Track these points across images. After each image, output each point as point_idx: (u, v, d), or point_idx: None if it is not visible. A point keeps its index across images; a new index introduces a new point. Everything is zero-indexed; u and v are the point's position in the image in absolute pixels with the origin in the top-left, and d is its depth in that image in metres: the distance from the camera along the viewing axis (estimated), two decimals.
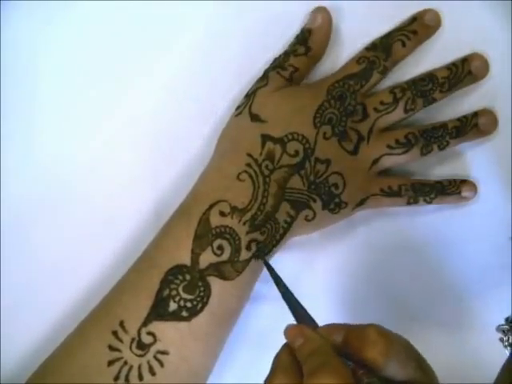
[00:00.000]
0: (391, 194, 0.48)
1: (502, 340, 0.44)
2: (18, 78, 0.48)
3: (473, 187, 0.50)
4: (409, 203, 0.49)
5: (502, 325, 0.44)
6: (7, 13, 0.47)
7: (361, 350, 0.35)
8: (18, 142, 0.48)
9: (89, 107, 0.49)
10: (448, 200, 0.50)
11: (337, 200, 0.47)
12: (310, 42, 0.47)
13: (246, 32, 0.49)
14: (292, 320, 0.40)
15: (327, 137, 0.46)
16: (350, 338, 0.36)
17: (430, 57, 0.49)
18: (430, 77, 0.48)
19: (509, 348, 0.43)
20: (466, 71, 0.48)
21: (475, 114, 0.49)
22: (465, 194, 0.50)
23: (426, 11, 0.48)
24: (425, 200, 0.49)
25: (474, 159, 0.50)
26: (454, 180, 0.50)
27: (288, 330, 0.37)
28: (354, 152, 0.47)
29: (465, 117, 0.49)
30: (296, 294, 0.50)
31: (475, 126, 0.49)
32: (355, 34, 0.49)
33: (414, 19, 0.48)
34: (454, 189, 0.49)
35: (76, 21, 0.48)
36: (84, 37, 0.48)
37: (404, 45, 0.47)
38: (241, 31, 0.49)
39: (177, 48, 0.49)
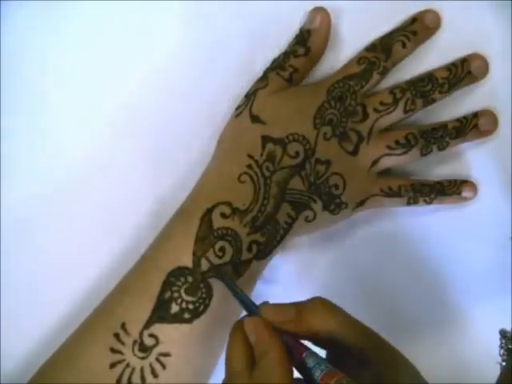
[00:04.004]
0: (391, 194, 0.48)
1: (501, 342, 0.44)
2: (18, 78, 0.48)
3: (473, 188, 0.50)
4: (409, 203, 0.49)
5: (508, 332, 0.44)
6: (7, 13, 0.46)
7: (308, 320, 0.37)
8: (17, 142, 0.48)
9: (89, 108, 0.48)
10: (448, 200, 0.50)
11: (337, 201, 0.47)
12: (309, 42, 0.47)
13: (245, 32, 0.48)
14: None
15: (327, 137, 0.46)
16: (300, 312, 0.37)
17: (430, 57, 0.49)
18: (429, 77, 0.48)
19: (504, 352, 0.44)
20: (465, 71, 0.48)
21: (475, 115, 0.49)
22: (465, 194, 0.50)
23: (426, 12, 0.48)
24: (425, 200, 0.49)
25: (474, 159, 0.50)
26: (455, 180, 0.50)
27: (245, 324, 0.38)
28: (354, 152, 0.47)
29: (465, 117, 0.49)
30: (296, 294, 0.50)
31: (475, 126, 0.48)
32: (354, 33, 0.48)
33: (414, 20, 0.48)
34: (454, 189, 0.49)
35: (76, 21, 0.48)
36: (84, 37, 0.48)
37: (404, 45, 0.47)
38: (240, 31, 0.49)
39: (176, 48, 0.49)
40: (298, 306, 0.38)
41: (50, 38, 0.48)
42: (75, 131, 0.49)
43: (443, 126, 0.48)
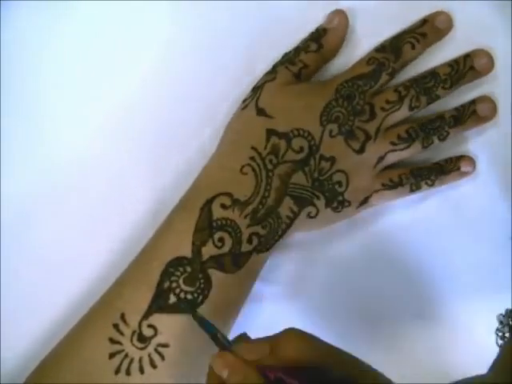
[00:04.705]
0: (393, 185, 0.48)
1: (497, 329, 0.44)
2: (17, 78, 0.48)
3: (471, 161, 0.50)
4: (412, 191, 0.49)
5: (502, 315, 0.44)
6: (7, 13, 0.47)
7: (283, 351, 0.36)
8: (17, 140, 0.48)
9: (89, 105, 0.49)
10: (449, 178, 0.49)
11: (340, 198, 0.47)
12: (323, 40, 0.47)
13: (246, 32, 0.49)
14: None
15: (333, 135, 0.46)
16: (274, 345, 0.36)
17: (431, 56, 0.49)
18: (431, 74, 0.48)
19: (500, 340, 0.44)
20: (467, 67, 0.48)
21: (473, 102, 0.49)
22: (464, 169, 0.49)
23: (437, 14, 0.48)
24: (426, 183, 0.49)
25: (474, 159, 0.50)
26: (451, 158, 0.50)
27: (213, 361, 0.36)
28: (361, 151, 0.47)
29: (462, 106, 0.49)
30: (296, 293, 0.50)
31: (473, 113, 0.48)
32: (365, 34, 0.49)
33: (425, 21, 0.48)
34: (452, 166, 0.49)
35: (76, 20, 0.48)
36: (85, 36, 0.48)
37: (413, 47, 0.47)
38: (241, 31, 0.49)
39: (176, 48, 0.49)
40: (271, 340, 0.36)
41: (49, 38, 0.48)
42: (75, 129, 0.49)
43: (440, 116, 0.48)
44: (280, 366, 0.35)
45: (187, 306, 0.41)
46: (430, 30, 0.48)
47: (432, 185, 0.49)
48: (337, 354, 0.37)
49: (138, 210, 0.49)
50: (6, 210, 0.48)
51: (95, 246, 0.48)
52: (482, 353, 0.48)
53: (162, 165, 0.49)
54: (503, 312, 0.44)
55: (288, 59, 0.47)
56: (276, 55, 0.48)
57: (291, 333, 0.37)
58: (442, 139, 0.48)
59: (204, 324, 0.39)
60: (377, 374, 0.38)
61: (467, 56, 0.48)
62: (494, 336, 0.44)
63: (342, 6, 0.48)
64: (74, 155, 0.48)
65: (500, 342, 0.44)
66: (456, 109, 0.49)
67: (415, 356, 0.51)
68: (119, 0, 0.48)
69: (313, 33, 0.48)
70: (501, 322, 0.44)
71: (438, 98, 0.48)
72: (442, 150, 0.50)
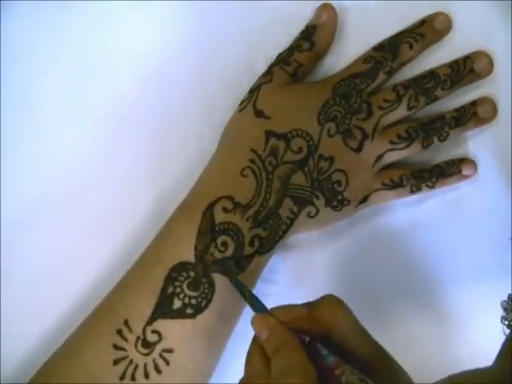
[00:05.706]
0: (393, 186, 0.48)
1: (503, 318, 0.44)
2: (17, 78, 0.48)
3: (472, 164, 0.50)
4: (412, 192, 0.49)
5: (505, 301, 0.44)
6: (7, 13, 0.46)
7: (320, 314, 0.37)
8: (16, 141, 0.48)
9: (89, 105, 0.48)
10: (450, 181, 0.49)
11: (339, 197, 0.46)
12: (314, 37, 0.47)
13: (245, 32, 0.49)
14: None
15: (331, 134, 0.46)
16: (312, 307, 0.38)
17: (431, 56, 0.49)
18: (431, 74, 0.48)
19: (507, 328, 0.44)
20: (467, 69, 0.48)
21: (473, 103, 0.49)
22: (465, 172, 0.49)
23: (435, 14, 0.48)
24: (427, 185, 0.49)
25: (475, 159, 0.50)
26: (452, 160, 0.49)
27: (254, 322, 0.37)
28: (359, 149, 0.47)
29: (463, 107, 0.49)
30: (296, 293, 0.50)
31: (474, 114, 0.48)
32: (362, 34, 0.48)
33: (424, 22, 0.48)
34: (453, 169, 0.49)
35: (76, 21, 0.48)
36: (84, 37, 0.48)
37: (411, 47, 0.47)
38: (240, 31, 0.49)
39: (176, 49, 0.49)
40: (309, 304, 0.38)
41: (49, 38, 0.48)
42: (75, 130, 0.48)
43: (441, 117, 0.48)
44: (313, 329, 0.37)
45: (227, 267, 0.42)
46: (428, 30, 0.48)
47: (432, 187, 0.49)
48: (369, 337, 0.38)
49: (139, 211, 0.49)
50: (7, 211, 0.47)
51: (96, 248, 0.48)
52: (481, 351, 0.49)
53: (163, 166, 0.49)
54: (506, 298, 0.44)
55: (282, 59, 0.47)
56: (276, 55, 0.48)
57: (329, 297, 0.38)
58: (443, 140, 0.48)
59: (239, 287, 0.40)
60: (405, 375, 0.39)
61: (467, 58, 0.48)
62: (493, 336, 0.44)
63: (342, 5, 0.48)
64: (73, 157, 0.48)
65: (507, 331, 0.44)
66: (457, 110, 0.49)
67: (415, 353, 0.51)
68: (120, 0, 0.47)
69: (303, 31, 0.48)
70: (505, 309, 0.43)
71: (436, 98, 0.48)
72: (443, 151, 0.50)
